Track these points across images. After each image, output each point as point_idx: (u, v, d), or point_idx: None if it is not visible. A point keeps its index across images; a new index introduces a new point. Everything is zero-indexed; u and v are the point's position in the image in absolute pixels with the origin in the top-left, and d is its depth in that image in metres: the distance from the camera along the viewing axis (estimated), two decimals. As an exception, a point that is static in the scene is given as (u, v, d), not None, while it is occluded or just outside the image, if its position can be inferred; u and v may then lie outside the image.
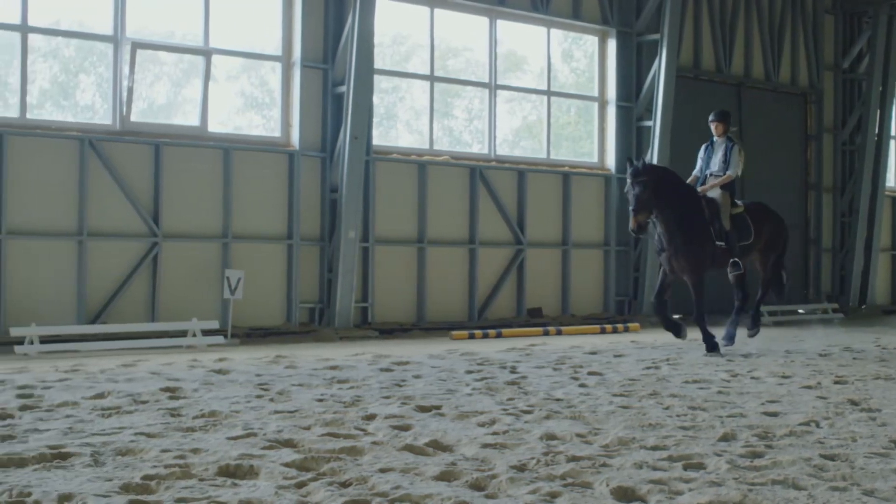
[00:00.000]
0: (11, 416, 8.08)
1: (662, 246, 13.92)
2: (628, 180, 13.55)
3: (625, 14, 20.77)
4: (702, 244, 13.82)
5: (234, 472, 6.17)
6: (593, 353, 14.00)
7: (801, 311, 22.70)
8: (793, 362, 12.96)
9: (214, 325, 15.08)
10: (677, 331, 14.22)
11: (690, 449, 7.00)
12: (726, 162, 14.17)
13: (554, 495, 5.73)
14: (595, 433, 7.60)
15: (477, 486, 5.95)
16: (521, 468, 6.36)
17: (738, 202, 14.48)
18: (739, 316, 14.72)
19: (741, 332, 14.93)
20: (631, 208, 13.46)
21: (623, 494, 5.79)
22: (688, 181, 14.35)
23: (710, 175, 14.28)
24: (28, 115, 14.66)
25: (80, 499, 5.44)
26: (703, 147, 14.65)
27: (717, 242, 13.90)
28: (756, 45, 23.29)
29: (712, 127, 14.49)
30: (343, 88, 16.78)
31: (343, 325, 16.66)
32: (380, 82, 17.90)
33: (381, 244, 17.60)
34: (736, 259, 14.04)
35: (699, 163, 14.56)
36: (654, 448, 7.06)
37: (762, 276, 15.12)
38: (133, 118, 15.35)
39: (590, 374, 11.52)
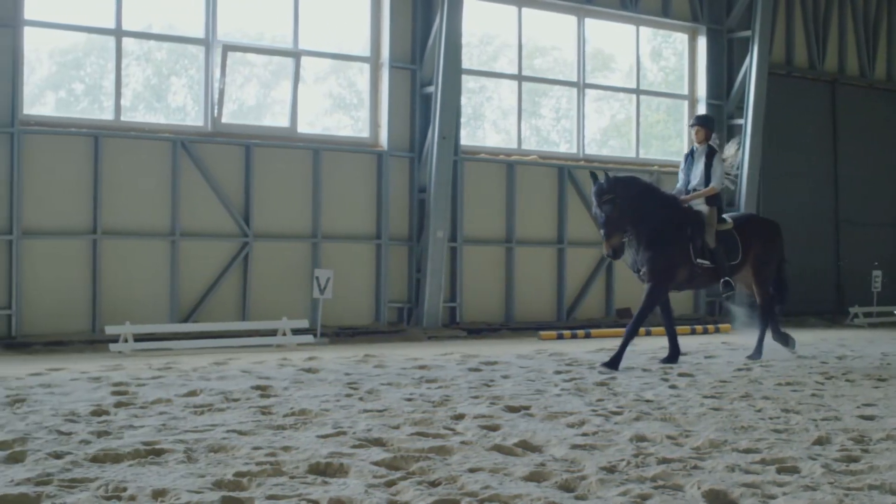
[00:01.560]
0: (107, 413, 8.23)
1: (635, 265, 12.43)
2: (594, 200, 12.06)
3: (715, 11, 20.51)
4: (673, 256, 12.31)
5: (324, 470, 6.21)
6: (683, 353, 13.82)
7: (896, 312, 22.21)
8: (889, 365, 12.69)
9: (304, 324, 15.22)
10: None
11: (784, 452, 6.88)
12: (707, 174, 12.76)
13: (644, 497, 5.67)
14: (686, 435, 7.51)
15: (566, 487, 5.91)
16: (611, 469, 6.31)
17: (727, 217, 13.05)
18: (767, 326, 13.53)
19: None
20: (602, 232, 11.98)
21: (715, 497, 5.71)
22: None
23: (693, 190, 12.86)
24: (122, 118, 14.93)
25: (173, 495, 5.51)
26: (683, 158, 13.30)
27: (698, 261, 12.41)
28: (850, 41, 22.83)
29: (692, 132, 13.15)
30: (431, 89, 16.82)
31: (431, 325, 16.70)
32: (467, 82, 17.91)
33: (470, 244, 17.60)
34: (728, 279, 12.66)
35: (681, 176, 13.16)
36: (747, 451, 6.95)
37: (759, 299, 13.49)
38: (224, 120, 15.56)
39: (680, 375, 11.40)
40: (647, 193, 12.28)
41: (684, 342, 15.52)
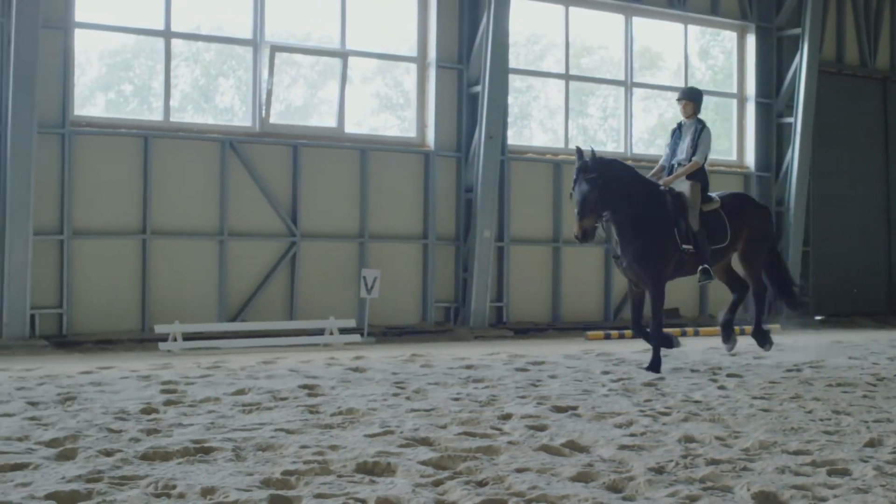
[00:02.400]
0: (156, 411, 8.29)
1: (616, 253, 11.99)
2: (574, 177, 11.45)
3: (764, 8, 20.33)
4: (662, 249, 11.78)
5: (371, 469, 6.22)
6: (732, 354, 13.71)
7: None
8: (942, 366, 12.52)
9: (351, 323, 15.27)
10: (668, 343, 12.24)
11: (835, 454, 6.81)
12: (694, 147, 12.14)
13: (693, 499, 5.63)
14: (735, 436, 7.45)
15: (614, 488, 5.89)
16: (659, 470, 6.28)
17: (713, 195, 12.42)
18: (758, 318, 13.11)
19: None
20: (576, 211, 11.38)
21: (764, 499, 5.67)
22: (651, 173, 12.54)
23: (678, 165, 12.27)
24: (171, 119, 15.05)
25: (222, 492, 5.54)
26: (670, 132, 12.72)
27: (684, 246, 11.83)
28: (903, 38, 22.55)
29: (679, 106, 12.56)
30: (478, 88, 16.81)
31: (478, 325, 16.69)
32: (514, 81, 17.88)
33: (517, 244, 17.57)
34: (706, 266, 11.94)
35: (666, 151, 12.61)
36: (797, 452, 6.89)
37: (752, 285, 12.93)
38: (272, 120, 15.64)
39: (729, 375, 11.30)
40: (631, 179, 11.79)
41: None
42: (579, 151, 11.44)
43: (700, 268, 11.93)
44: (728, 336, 13.04)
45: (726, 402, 9.12)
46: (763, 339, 13.20)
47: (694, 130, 12.23)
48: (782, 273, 13.28)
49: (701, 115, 12.43)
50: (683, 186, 12.04)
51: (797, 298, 13.53)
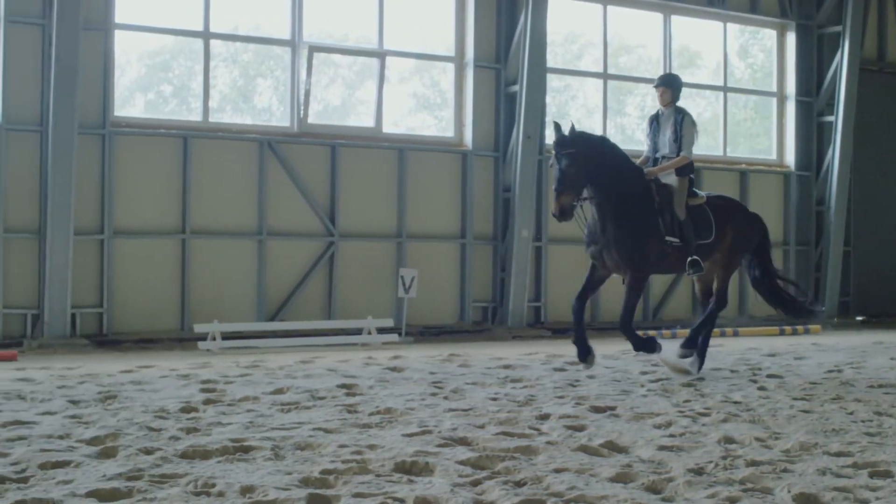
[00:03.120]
0: (196, 410, 8.34)
1: (593, 237, 10.97)
2: (553, 151, 10.70)
3: (805, 6, 20.17)
4: (646, 237, 10.88)
5: (409, 469, 6.22)
6: (772, 355, 13.63)
7: None
8: None
9: (389, 323, 15.30)
10: (652, 346, 11.00)
11: (876, 456, 6.74)
12: (678, 140, 11.24)
13: (733, 500, 5.59)
14: (775, 437, 7.40)
15: (653, 489, 5.86)
16: (698, 471, 6.24)
17: (699, 192, 11.53)
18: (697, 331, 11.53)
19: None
20: (553, 188, 10.64)
21: (805, 501, 5.62)
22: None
23: (662, 158, 11.37)
24: (210, 119, 15.14)
25: (261, 491, 5.56)
26: (647, 121, 11.78)
27: (668, 238, 10.94)
28: (946, 35, 22.29)
29: (657, 94, 11.56)
30: (515, 88, 16.78)
31: (516, 325, 16.67)
32: (551, 81, 17.84)
33: (554, 243, 17.52)
34: (695, 258, 11.01)
35: (647, 143, 11.69)
36: (838, 454, 6.82)
37: (716, 287, 11.67)
38: (310, 120, 15.68)
39: (769, 376, 11.22)
40: (613, 156, 10.97)
41: (773, 343, 15.30)
42: (557, 126, 10.72)
43: (689, 259, 11.01)
44: (690, 352, 11.44)
45: (766, 403, 9.05)
46: (691, 352, 11.39)
47: (674, 121, 11.33)
48: (773, 283, 12.04)
49: (680, 103, 11.47)
50: (671, 179, 11.24)
51: (798, 306, 12.17)
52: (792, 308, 12.13)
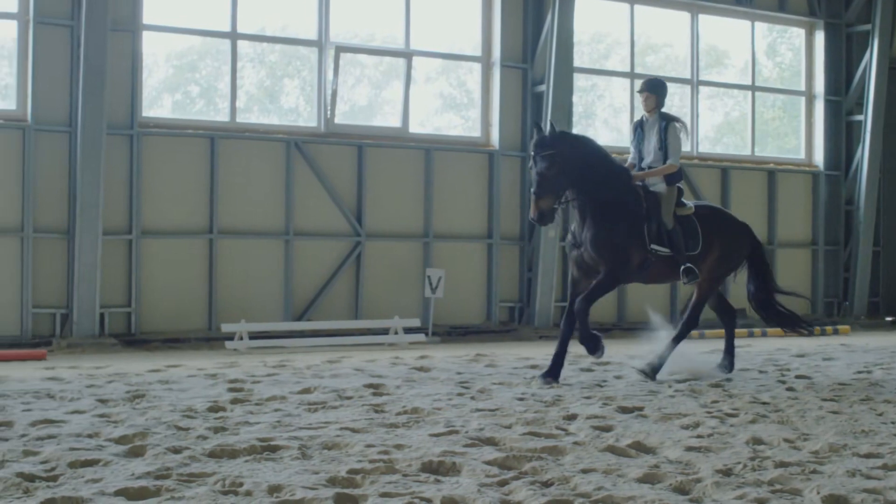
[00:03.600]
0: (223, 409, 8.37)
1: (576, 241, 10.60)
2: (531, 152, 10.37)
3: (833, 5, 20.04)
4: (629, 238, 10.46)
5: (436, 469, 6.22)
6: (801, 355, 13.55)
7: None
8: None
9: (416, 323, 15.31)
10: (594, 345, 10.64)
11: (907, 457, 6.69)
12: (663, 148, 10.77)
13: (762, 502, 5.57)
14: (804, 438, 7.35)
15: (681, 490, 5.84)
16: (726, 472, 6.21)
17: (687, 203, 11.08)
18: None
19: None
20: (532, 190, 10.28)
21: (834, 503, 5.59)
22: None
23: (649, 168, 10.91)
24: (237, 119, 15.19)
25: (288, 490, 5.57)
26: (632, 128, 11.35)
27: (653, 247, 10.53)
28: (976, 34, 22.10)
29: (640, 99, 11.12)
30: (542, 87, 16.75)
31: (543, 325, 16.64)
32: (578, 80, 17.79)
33: (581, 243, 17.46)
34: (690, 266, 10.60)
35: (632, 150, 11.21)
36: (868, 456, 6.78)
37: (695, 299, 11.29)
38: (336, 120, 15.70)
39: (797, 377, 11.16)
40: (597, 158, 10.53)
41: (801, 344, 15.22)
42: (537, 126, 10.44)
43: (682, 268, 10.63)
44: (660, 364, 11.03)
45: (795, 404, 9.00)
46: (660, 365, 10.99)
47: (659, 129, 10.87)
48: (769, 298, 11.68)
49: (664, 109, 11.06)
50: (659, 187, 10.83)
51: (794, 322, 11.77)
52: (788, 324, 11.73)
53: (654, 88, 11.05)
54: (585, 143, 10.68)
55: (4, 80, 14.09)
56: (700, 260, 10.89)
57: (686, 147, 11.87)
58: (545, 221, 10.36)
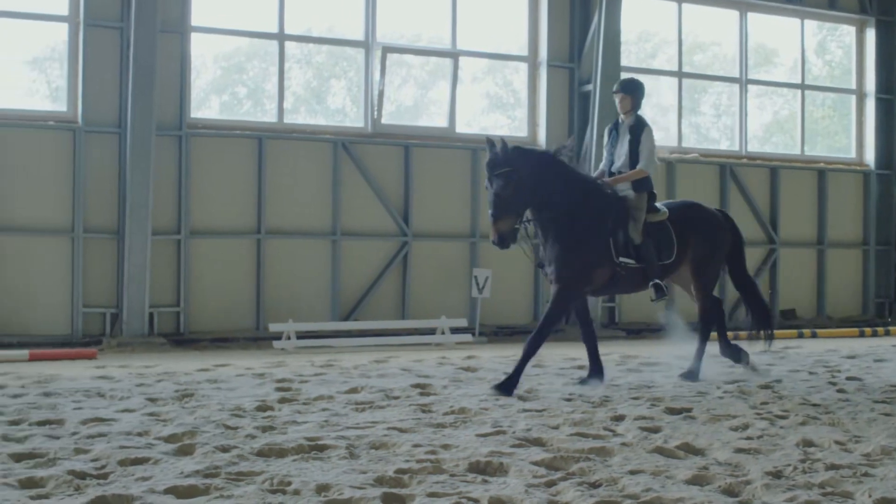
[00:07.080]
0: (271, 409, 8.41)
1: (540, 262, 10.27)
2: (486, 172, 9.73)
3: (885, 2, 19.79)
4: (589, 254, 9.98)
5: (484, 469, 6.21)
6: (851, 356, 13.40)
7: None
8: None
9: (462, 322, 15.31)
10: (736, 357, 11.08)
11: (961, 460, 6.59)
12: (634, 153, 10.34)
13: (812, 504, 5.51)
14: (855, 441, 7.26)
15: (730, 492, 5.79)
16: (776, 475, 6.15)
17: (660, 206, 10.55)
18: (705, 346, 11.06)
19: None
20: (490, 213, 9.62)
21: (887, 506, 5.52)
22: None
23: (618, 173, 10.46)
24: (284, 120, 15.26)
25: (336, 490, 5.59)
26: (606, 131, 10.84)
27: (621, 260, 10.06)
28: None
29: (616, 100, 10.67)
30: (589, 87, 16.69)
31: (589, 325, 16.55)
32: (626, 80, 17.70)
33: (628, 243, 17.38)
34: (657, 282, 10.18)
35: (604, 155, 10.72)
36: (922, 458, 6.69)
37: (699, 307, 11.06)
38: (383, 120, 15.73)
39: (848, 378, 11.03)
40: (556, 172, 9.89)
41: (852, 345, 15.05)
42: (490, 142, 9.68)
43: (651, 283, 10.22)
44: (737, 355, 11.30)
45: (846, 406, 8.89)
46: (737, 355, 11.24)
47: (631, 132, 10.41)
48: (755, 296, 11.52)
49: (641, 112, 10.61)
50: (628, 192, 10.36)
51: (767, 317, 11.49)
52: (760, 320, 11.40)
53: (630, 89, 10.60)
54: (542, 159, 9.98)
55: (55, 82, 14.27)
56: (678, 265, 10.61)
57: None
58: (506, 244, 9.65)
